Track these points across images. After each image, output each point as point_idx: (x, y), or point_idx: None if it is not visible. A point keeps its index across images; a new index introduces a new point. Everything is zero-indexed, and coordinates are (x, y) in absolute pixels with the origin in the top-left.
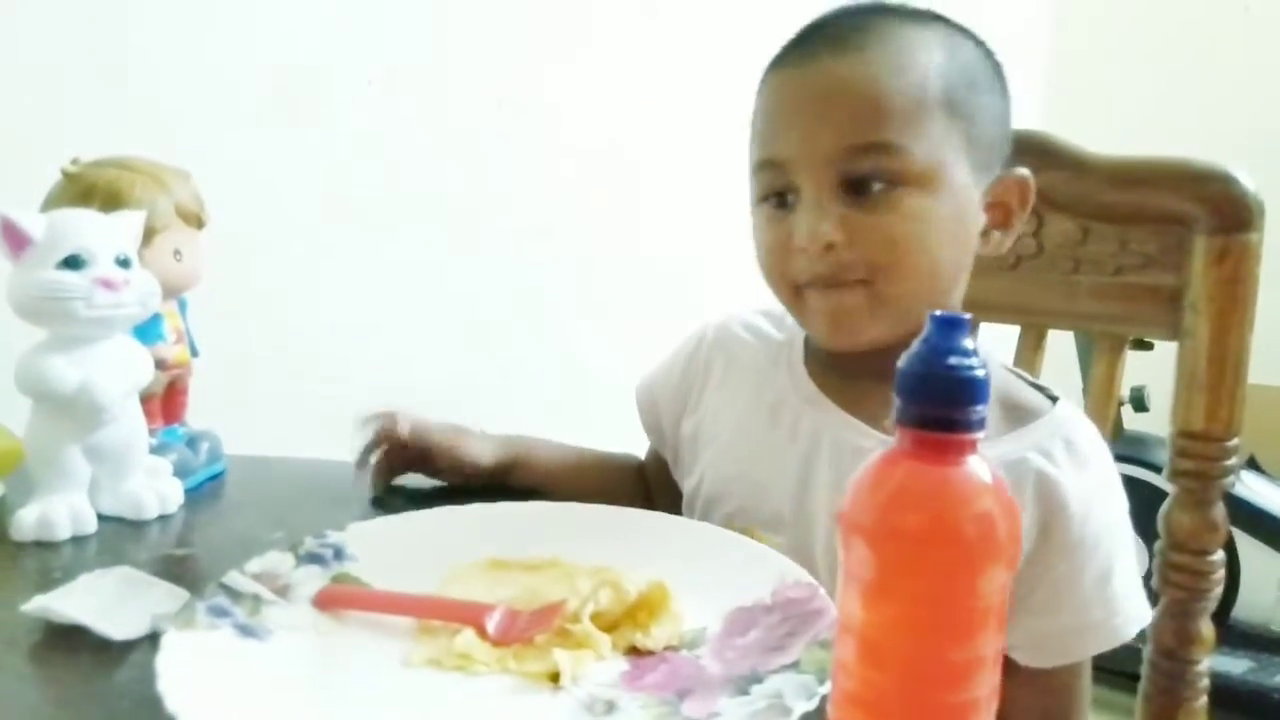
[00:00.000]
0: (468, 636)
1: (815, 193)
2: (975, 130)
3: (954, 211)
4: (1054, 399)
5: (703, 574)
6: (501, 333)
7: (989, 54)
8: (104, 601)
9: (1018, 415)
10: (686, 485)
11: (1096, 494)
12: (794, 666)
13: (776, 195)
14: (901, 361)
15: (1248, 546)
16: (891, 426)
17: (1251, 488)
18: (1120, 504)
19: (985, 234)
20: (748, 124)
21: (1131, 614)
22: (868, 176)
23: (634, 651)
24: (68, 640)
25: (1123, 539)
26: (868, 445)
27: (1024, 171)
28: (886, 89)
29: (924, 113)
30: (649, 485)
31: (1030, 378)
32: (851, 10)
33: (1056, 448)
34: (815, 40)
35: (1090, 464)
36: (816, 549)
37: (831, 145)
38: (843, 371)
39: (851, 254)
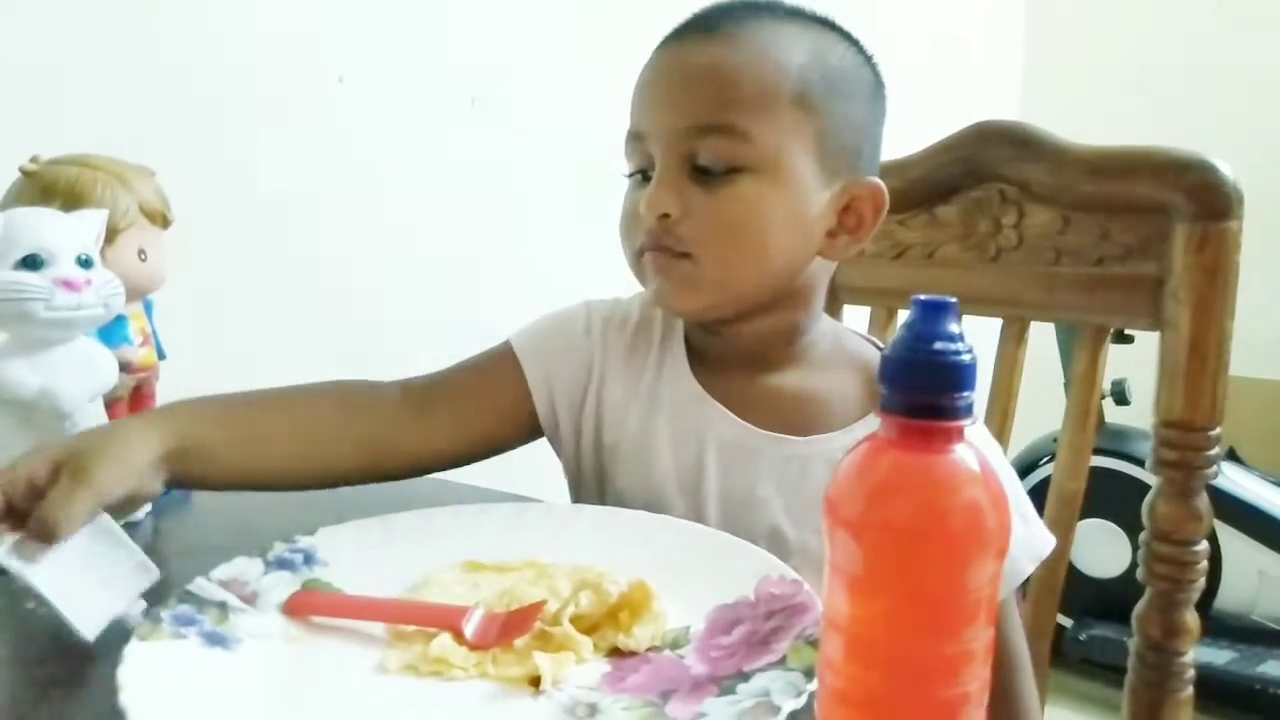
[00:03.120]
0: (444, 641)
1: (665, 167)
2: (828, 130)
3: (792, 203)
4: None
5: (684, 572)
6: (476, 332)
7: (867, 66)
8: (68, 574)
9: None
10: (583, 469)
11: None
12: (780, 664)
13: (641, 171)
14: (887, 348)
15: (1229, 537)
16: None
17: (1232, 479)
18: (993, 441)
19: (833, 235)
20: None
21: (1042, 533)
22: (710, 156)
23: (616, 653)
24: (27, 655)
25: (1010, 469)
26: (748, 443)
27: (878, 181)
28: (740, 75)
29: (774, 103)
30: (413, 406)
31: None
32: (747, 2)
33: None
34: (695, 24)
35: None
36: None
37: (681, 122)
38: (717, 366)
39: (684, 228)
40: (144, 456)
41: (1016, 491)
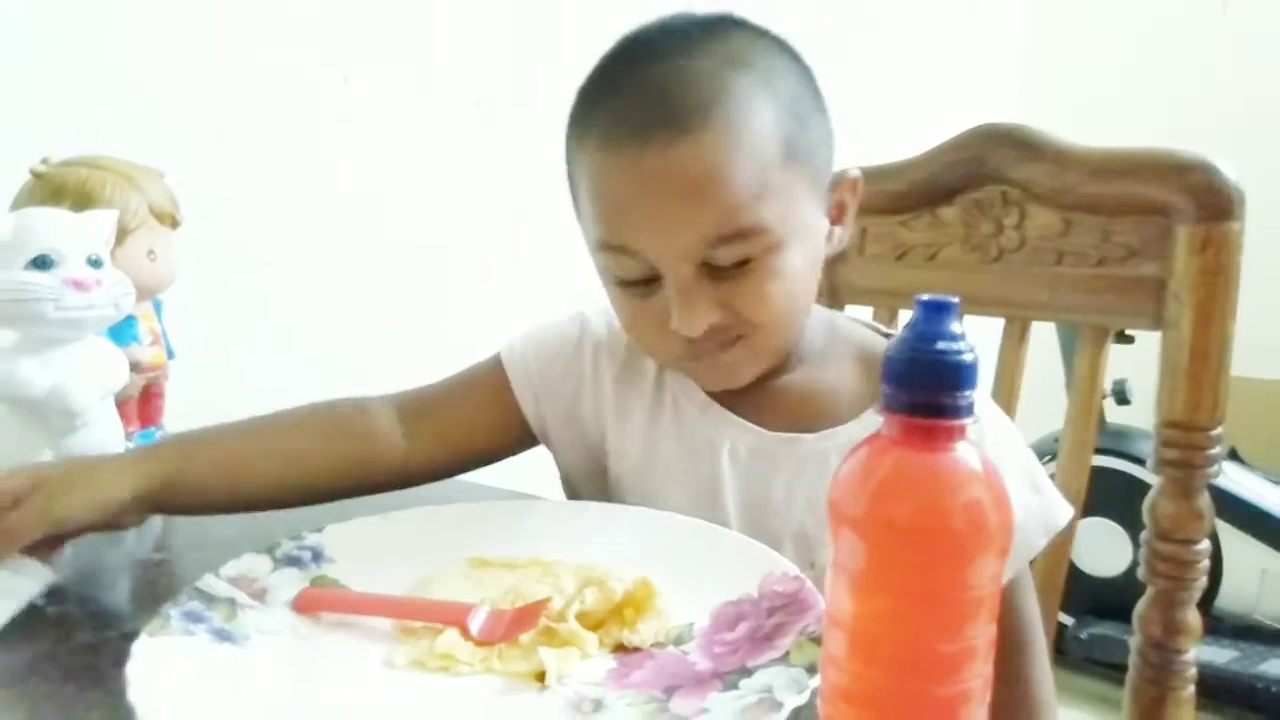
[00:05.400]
0: (450, 637)
1: (683, 280)
2: (813, 164)
3: (810, 249)
4: None
5: (688, 570)
6: (479, 331)
7: (792, 56)
8: None
9: None
10: (590, 478)
11: (981, 417)
12: (783, 660)
13: (635, 281)
14: (889, 348)
15: (1230, 537)
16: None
17: (1233, 479)
18: (1005, 420)
19: (828, 236)
20: (567, 183)
21: (1057, 502)
22: (729, 258)
23: (621, 649)
24: (36, 646)
25: (1024, 445)
26: (764, 447)
27: (855, 173)
28: (735, 173)
29: (771, 180)
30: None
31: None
32: (661, 49)
33: None
34: (643, 113)
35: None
36: None
37: (693, 240)
38: None
39: (727, 321)
40: (112, 495)
41: (1029, 461)
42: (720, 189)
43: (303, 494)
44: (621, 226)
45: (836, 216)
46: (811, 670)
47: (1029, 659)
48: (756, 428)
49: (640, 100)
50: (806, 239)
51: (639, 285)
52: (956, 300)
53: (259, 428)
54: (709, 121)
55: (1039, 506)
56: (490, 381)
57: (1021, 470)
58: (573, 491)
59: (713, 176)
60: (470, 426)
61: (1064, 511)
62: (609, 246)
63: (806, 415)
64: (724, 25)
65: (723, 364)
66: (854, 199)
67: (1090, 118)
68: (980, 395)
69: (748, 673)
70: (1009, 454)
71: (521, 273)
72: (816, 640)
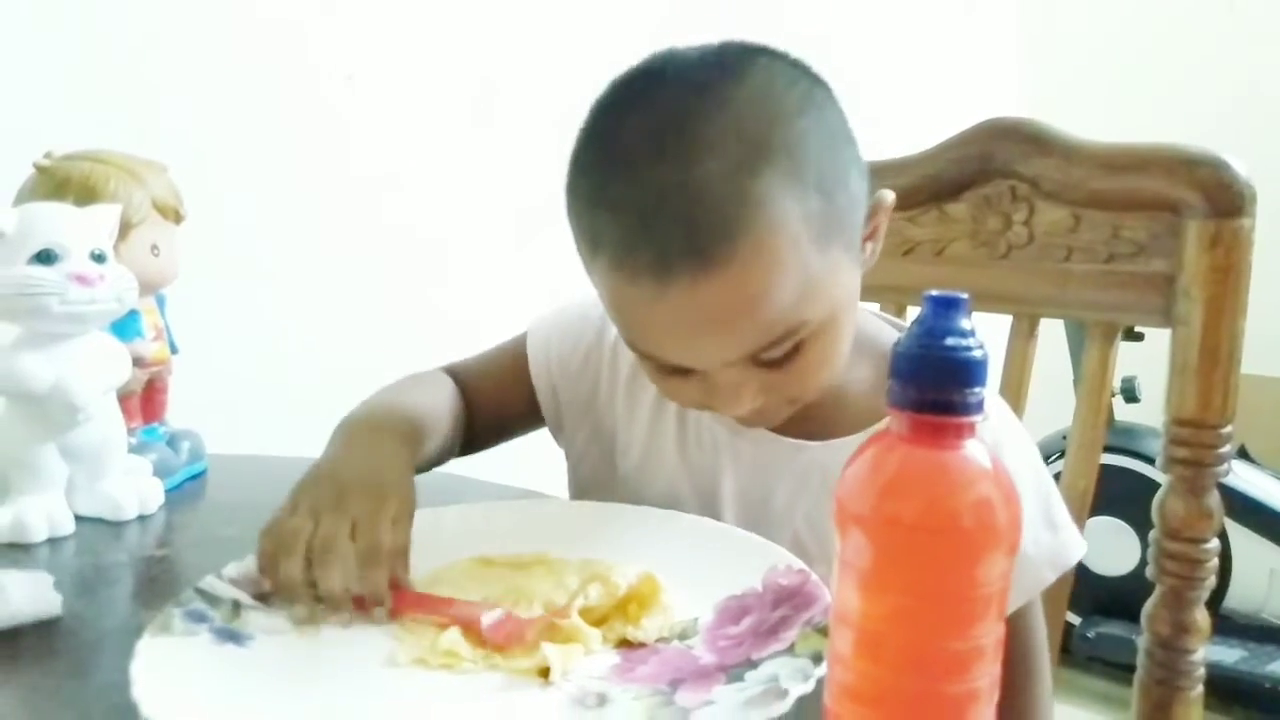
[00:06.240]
0: (453, 634)
1: (726, 378)
2: (849, 225)
3: (849, 307)
4: None
5: (692, 565)
6: (482, 327)
7: (808, 95)
8: None
9: None
10: (598, 475)
11: (1004, 440)
12: (789, 651)
13: (671, 369)
14: (897, 343)
15: (1239, 536)
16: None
17: (1242, 477)
18: (1029, 445)
19: (864, 260)
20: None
21: (1072, 540)
22: (772, 355)
23: (625, 645)
24: (38, 646)
25: (1045, 474)
26: (766, 451)
27: (889, 198)
28: (770, 296)
29: (809, 276)
30: (468, 403)
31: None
32: (667, 141)
33: None
34: (659, 239)
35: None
36: None
37: (732, 355)
38: None
39: (773, 401)
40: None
41: (1048, 493)
42: (756, 314)
43: (452, 454)
44: (645, 343)
45: (870, 236)
46: (817, 659)
47: (1034, 684)
48: (764, 431)
49: (653, 220)
50: (848, 299)
51: (672, 371)
52: (966, 296)
53: (431, 393)
54: (736, 251)
55: (1052, 544)
56: (514, 365)
57: (1039, 503)
58: (579, 487)
59: (747, 305)
60: (500, 403)
61: (1078, 548)
62: (635, 349)
63: (820, 422)
64: (731, 80)
65: (760, 420)
66: (886, 217)
67: (1096, 115)
68: (997, 407)
69: (753, 665)
70: (1028, 483)
71: (526, 267)
72: (822, 631)
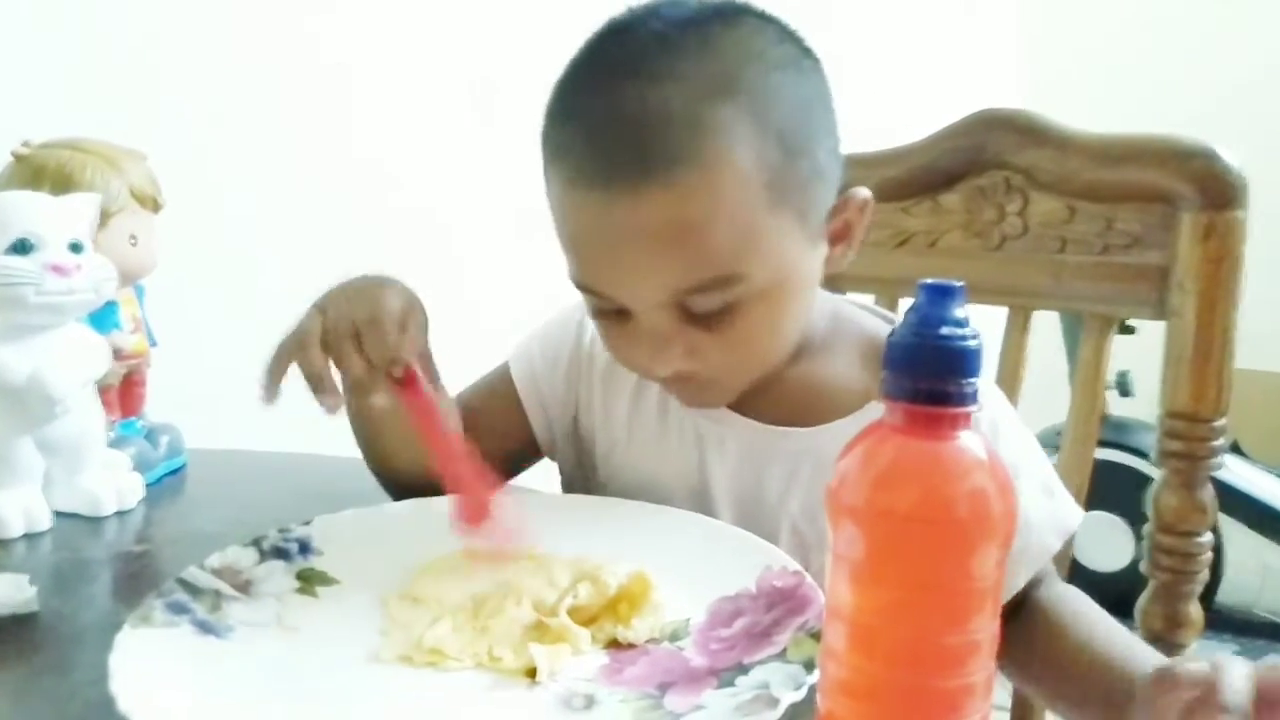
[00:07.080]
0: (439, 631)
1: (655, 326)
2: (808, 197)
3: (799, 283)
4: None
5: (685, 563)
6: (479, 327)
7: (795, 60)
8: None
9: None
10: (583, 481)
11: (1000, 419)
12: (780, 656)
13: (611, 312)
14: (892, 333)
15: (1231, 530)
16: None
17: (1235, 472)
18: (1023, 427)
19: (828, 258)
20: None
21: (1070, 507)
22: (705, 306)
23: (614, 645)
24: (18, 638)
25: (1040, 450)
26: (756, 439)
27: (863, 194)
28: (708, 226)
29: (754, 227)
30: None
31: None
32: (638, 62)
33: None
34: (611, 151)
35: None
36: None
37: (662, 290)
38: None
39: (700, 368)
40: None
41: (1042, 463)
42: (691, 243)
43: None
44: (588, 270)
45: (839, 237)
46: (809, 667)
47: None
48: (747, 420)
49: (609, 133)
50: (795, 275)
51: (613, 315)
52: (961, 284)
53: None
54: (681, 169)
55: (1051, 510)
56: (502, 392)
57: (1035, 472)
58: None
59: (683, 230)
60: (492, 439)
61: (1075, 514)
62: (578, 284)
63: (803, 408)
64: (719, 23)
65: (694, 393)
66: (861, 218)
67: (1092, 106)
68: (991, 390)
69: (744, 669)
70: (1023, 456)
71: (524, 264)
72: (815, 636)
